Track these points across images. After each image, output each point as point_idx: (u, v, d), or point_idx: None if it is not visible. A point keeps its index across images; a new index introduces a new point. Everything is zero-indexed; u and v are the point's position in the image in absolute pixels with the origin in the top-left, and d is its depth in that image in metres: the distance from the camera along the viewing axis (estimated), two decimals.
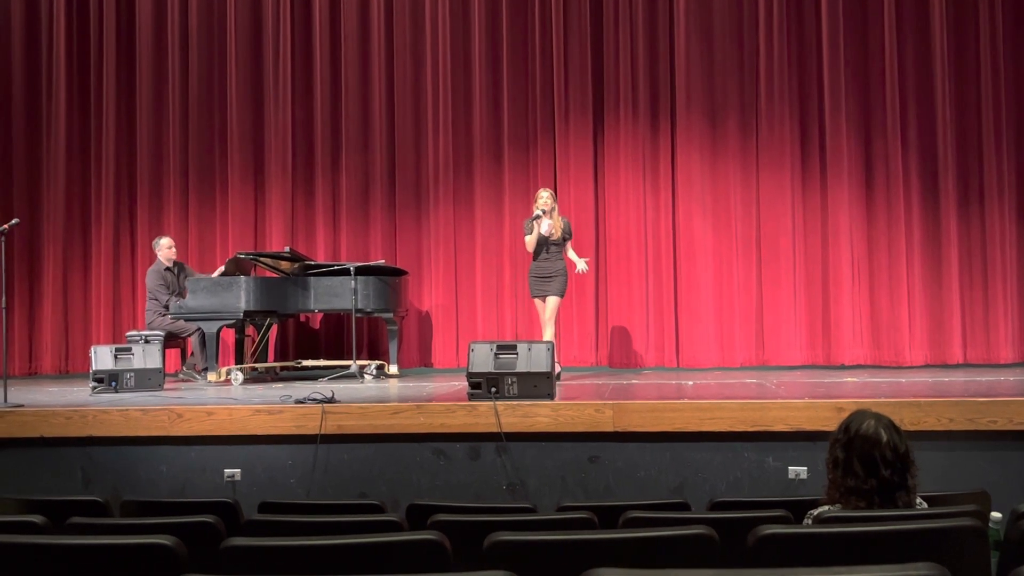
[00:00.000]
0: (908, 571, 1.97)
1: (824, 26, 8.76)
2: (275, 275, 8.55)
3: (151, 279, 8.38)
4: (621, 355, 8.65)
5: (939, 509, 2.97)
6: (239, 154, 9.47)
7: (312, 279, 8.18)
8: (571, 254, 7.55)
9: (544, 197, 7.40)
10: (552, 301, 7.34)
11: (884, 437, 2.83)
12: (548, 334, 7.30)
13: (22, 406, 5.81)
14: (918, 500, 2.93)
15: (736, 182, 8.86)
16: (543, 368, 5.76)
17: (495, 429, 5.34)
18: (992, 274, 8.58)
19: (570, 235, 7.54)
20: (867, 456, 2.82)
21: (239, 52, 9.49)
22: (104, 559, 2.57)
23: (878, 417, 2.90)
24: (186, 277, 8.33)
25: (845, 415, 2.98)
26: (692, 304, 8.84)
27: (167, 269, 8.45)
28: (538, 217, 7.32)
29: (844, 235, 8.69)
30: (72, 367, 9.50)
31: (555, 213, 7.41)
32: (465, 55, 9.29)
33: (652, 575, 2.01)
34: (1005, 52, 8.64)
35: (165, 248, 8.52)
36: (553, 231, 7.33)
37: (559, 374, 7.16)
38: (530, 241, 7.38)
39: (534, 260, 7.44)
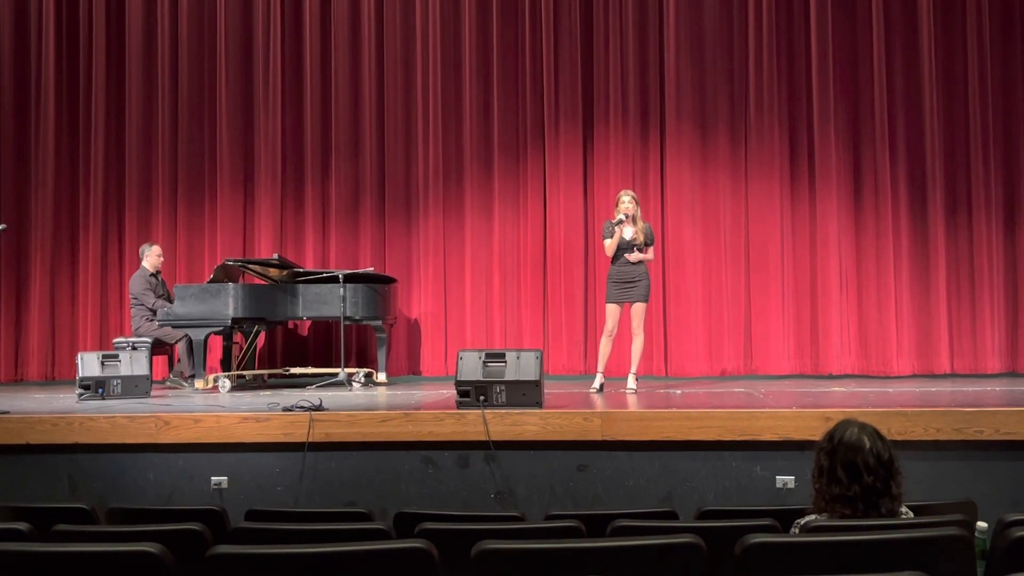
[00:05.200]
0: None
1: (813, 37, 8.82)
2: (264, 282, 8.53)
3: (136, 284, 8.37)
4: (610, 364, 8.64)
5: (925, 518, 2.99)
6: (228, 161, 9.45)
7: (301, 286, 8.17)
8: (644, 256, 7.16)
9: (626, 201, 7.08)
10: (638, 308, 7.06)
11: (867, 444, 2.86)
12: (637, 344, 7.13)
13: (8, 413, 5.77)
14: (904, 509, 2.95)
15: (725, 192, 8.90)
16: (532, 376, 5.76)
17: (483, 437, 5.34)
18: (979, 284, 8.63)
19: (652, 240, 7.27)
20: (850, 462, 2.85)
21: (229, 59, 9.47)
22: (90, 567, 2.56)
23: (862, 426, 2.92)
24: (161, 286, 8.38)
25: (833, 424, 3.00)
26: (681, 313, 8.86)
27: (152, 275, 8.45)
28: (621, 222, 7.04)
29: (832, 245, 8.73)
30: (59, 374, 9.45)
31: (638, 216, 7.16)
32: (455, 64, 9.30)
33: None
34: (992, 63, 8.71)
35: (155, 256, 8.53)
36: (636, 236, 7.09)
37: (635, 389, 7.12)
38: (610, 245, 7.07)
39: (613, 264, 7.14)
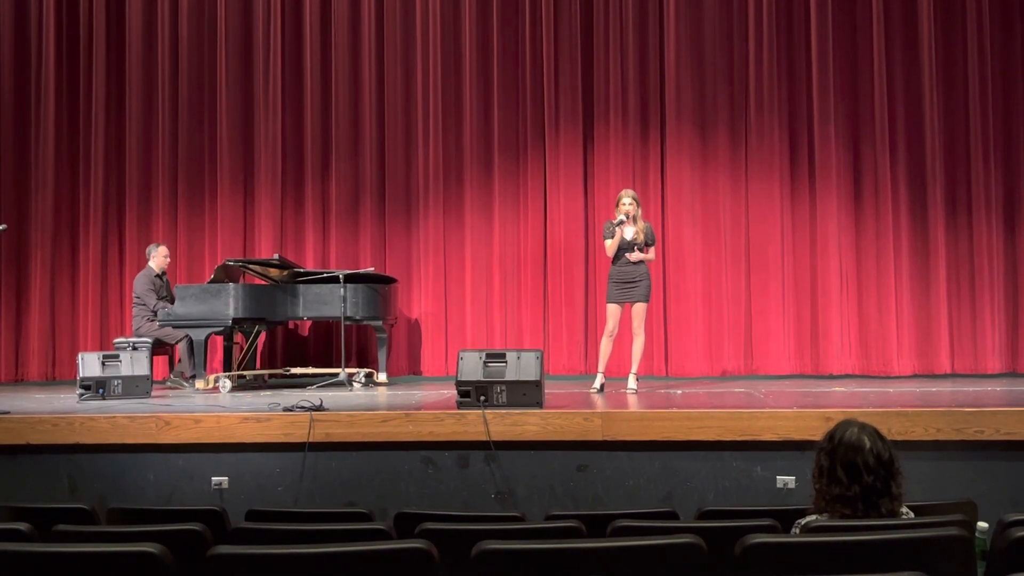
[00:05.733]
0: None
1: (813, 37, 8.81)
2: (264, 282, 8.53)
3: (140, 283, 8.37)
4: (610, 364, 8.64)
5: (926, 519, 2.99)
6: (229, 161, 9.45)
7: (301, 287, 8.17)
8: (645, 256, 7.13)
9: (627, 202, 7.07)
10: (638, 308, 7.06)
11: (867, 444, 2.86)
12: (638, 344, 7.13)
13: (8, 413, 5.78)
14: (905, 509, 2.95)
15: (725, 192, 8.90)
16: (532, 377, 5.76)
17: (484, 437, 5.34)
18: (979, 284, 8.63)
19: (653, 240, 7.24)
20: (850, 462, 2.85)
21: (229, 59, 9.47)
22: (90, 567, 2.56)
23: (862, 426, 2.93)
24: (166, 287, 8.38)
25: (833, 424, 3.00)
26: (681, 313, 8.86)
27: (157, 276, 8.46)
28: (621, 223, 7.05)
29: (833, 245, 8.73)
30: (59, 374, 9.45)
31: (639, 216, 7.15)
32: (456, 64, 9.30)
33: None
34: (993, 63, 8.71)
35: (161, 256, 8.55)
36: (637, 236, 7.07)
37: (635, 390, 7.14)
38: (611, 245, 7.07)
39: (614, 264, 7.14)
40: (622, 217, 7.07)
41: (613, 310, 7.16)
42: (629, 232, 7.08)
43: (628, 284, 7.09)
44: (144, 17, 9.61)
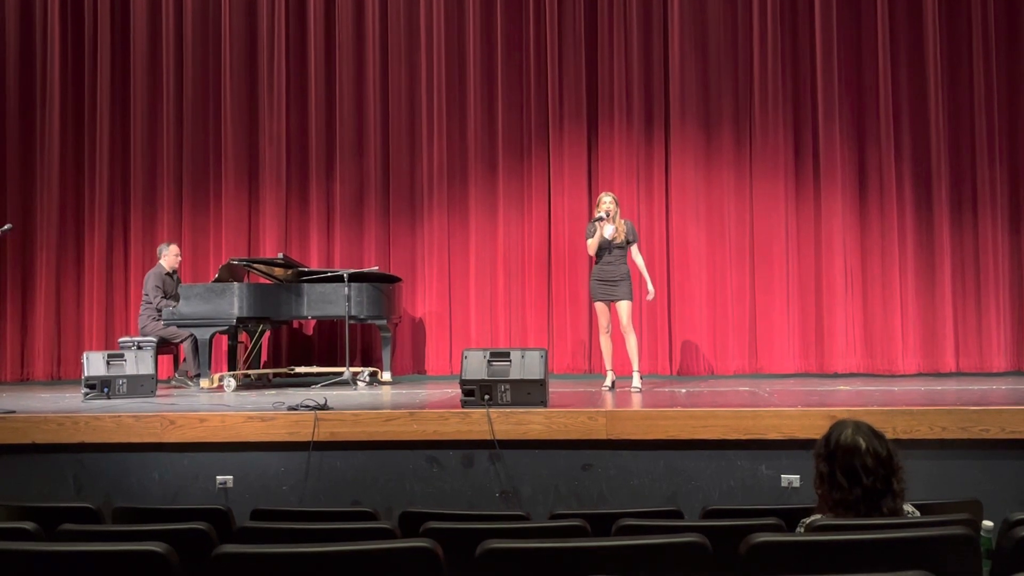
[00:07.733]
0: None
1: (818, 35, 8.80)
2: (268, 282, 8.54)
3: (149, 281, 8.40)
4: (615, 363, 8.66)
5: (931, 517, 2.98)
6: (233, 161, 9.46)
7: (305, 286, 8.18)
8: (639, 261, 7.32)
9: (607, 202, 7.19)
10: (624, 306, 7.12)
11: (863, 444, 2.83)
12: (631, 343, 7.19)
13: (14, 412, 5.79)
14: (910, 508, 2.94)
15: (730, 190, 8.89)
16: (536, 375, 5.76)
17: (488, 436, 5.34)
18: (985, 283, 8.61)
19: (635, 238, 7.33)
20: (849, 467, 2.82)
21: (234, 59, 9.48)
22: (96, 566, 2.57)
23: (856, 426, 2.89)
24: (177, 286, 8.39)
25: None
26: (686, 312, 8.86)
27: (168, 274, 8.48)
28: (600, 219, 7.14)
29: (837, 243, 8.71)
30: (64, 373, 9.47)
31: (618, 215, 7.24)
32: (460, 63, 9.30)
33: None
34: (998, 60, 8.69)
35: (172, 255, 8.58)
36: (617, 235, 7.16)
37: (640, 388, 7.16)
38: (592, 244, 7.19)
39: (596, 264, 7.26)
40: (601, 214, 7.15)
41: (601, 308, 7.27)
42: (609, 230, 7.15)
43: (609, 283, 7.17)
44: (149, 16, 9.62)
